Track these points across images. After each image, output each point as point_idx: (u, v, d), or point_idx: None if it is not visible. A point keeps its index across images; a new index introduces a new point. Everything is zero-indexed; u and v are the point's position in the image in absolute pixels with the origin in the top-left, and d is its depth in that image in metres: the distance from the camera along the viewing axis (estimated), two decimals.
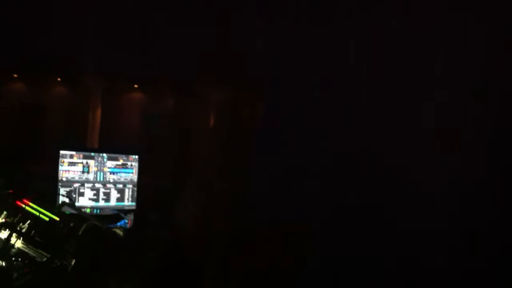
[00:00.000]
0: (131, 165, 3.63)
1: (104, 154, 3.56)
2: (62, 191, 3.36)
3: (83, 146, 3.78)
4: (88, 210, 3.39)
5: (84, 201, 3.44)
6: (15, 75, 9.99)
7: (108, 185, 3.54)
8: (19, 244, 2.02)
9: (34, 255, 1.98)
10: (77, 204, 3.32)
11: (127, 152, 3.62)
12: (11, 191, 2.32)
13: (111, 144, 10.05)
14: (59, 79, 10.28)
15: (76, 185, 3.43)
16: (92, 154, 3.52)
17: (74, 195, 3.40)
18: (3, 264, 1.86)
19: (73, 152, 3.45)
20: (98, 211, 3.44)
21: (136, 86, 10.60)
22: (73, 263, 2.03)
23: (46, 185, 3.42)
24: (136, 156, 3.67)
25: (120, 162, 3.60)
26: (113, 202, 3.54)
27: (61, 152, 3.40)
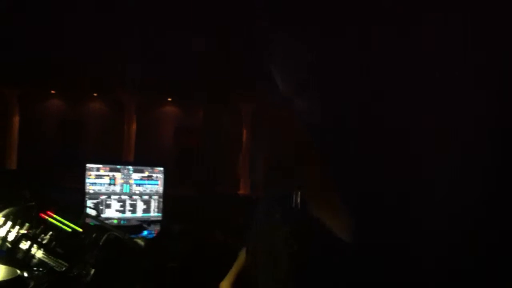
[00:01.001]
0: (157, 176, 3.70)
1: (130, 167, 3.64)
2: (89, 203, 3.45)
3: (109, 159, 3.88)
4: (115, 221, 3.47)
5: (111, 213, 3.53)
6: (53, 92, 10.33)
7: (134, 197, 3.62)
8: (39, 254, 2.09)
9: (54, 264, 2.05)
10: (103, 215, 3.41)
11: (152, 164, 3.70)
12: (34, 203, 2.41)
13: (145, 157, 10.23)
14: (95, 94, 10.57)
15: (103, 197, 3.52)
16: (118, 166, 3.61)
17: (101, 207, 3.49)
18: (24, 273, 1.93)
19: (100, 165, 3.54)
20: (124, 222, 3.52)
21: (169, 99, 10.80)
22: (92, 272, 2.09)
23: (75, 197, 3.53)
24: (162, 168, 3.74)
25: (146, 174, 3.68)
26: (139, 213, 3.62)
27: (88, 165, 3.50)
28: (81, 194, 3.48)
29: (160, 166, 3.75)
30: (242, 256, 2.10)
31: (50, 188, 3.48)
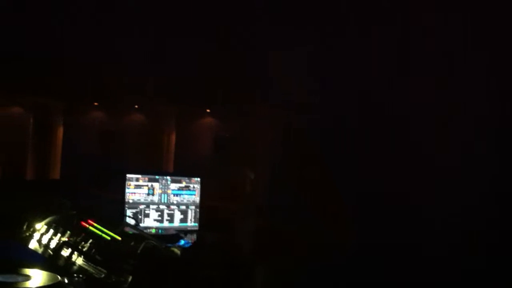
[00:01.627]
0: (194, 187, 3.77)
1: (168, 177, 3.72)
2: (128, 212, 3.54)
3: (148, 170, 3.97)
4: (153, 231, 3.54)
5: (149, 222, 3.61)
6: (95, 104, 10.62)
7: (172, 207, 3.69)
8: (79, 261, 2.17)
9: (93, 271, 2.12)
10: (142, 225, 3.48)
11: (189, 174, 3.77)
12: (75, 212, 2.50)
13: (185, 167, 10.37)
14: (136, 106, 10.80)
15: (141, 206, 3.61)
16: (157, 177, 3.69)
17: (140, 216, 3.58)
18: (65, 279, 2.00)
19: (139, 176, 3.63)
20: (162, 231, 3.59)
21: (208, 110, 10.93)
22: (129, 280, 2.15)
23: (115, 207, 3.62)
24: (198, 179, 3.80)
25: (183, 184, 3.74)
26: (176, 223, 3.68)
27: (128, 175, 3.60)
28: (120, 203, 3.57)
29: (197, 177, 3.82)
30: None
31: (91, 198, 3.58)
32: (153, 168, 9.62)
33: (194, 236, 3.58)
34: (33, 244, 2.27)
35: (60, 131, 10.40)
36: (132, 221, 3.32)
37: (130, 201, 3.59)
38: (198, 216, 3.77)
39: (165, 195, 3.69)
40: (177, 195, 3.72)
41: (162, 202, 3.67)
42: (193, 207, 3.76)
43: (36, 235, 2.31)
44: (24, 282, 1.86)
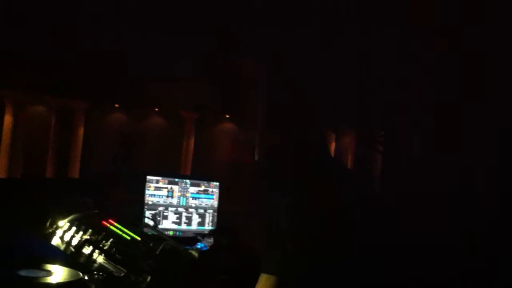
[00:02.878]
0: (212, 191, 3.80)
1: (187, 180, 3.76)
2: (147, 213, 3.58)
3: (168, 172, 4.02)
4: (171, 233, 3.58)
5: (168, 224, 3.65)
6: (116, 105, 10.76)
7: (190, 210, 3.72)
8: (100, 259, 2.21)
9: (113, 270, 2.16)
10: (160, 226, 3.52)
11: (208, 178, 3.80)
12: (97, 211, 2.55)
13: (203, 171, 10.43)
14: (156, 109, 10.92)
15: (160, 208, 3.65)
16: (176, 180, 3.73)
17: (158, 218, 3.62)
18: (85, 276, 2.04)
19: (159, 178, 3.67)
20: (180, 233, 3.63)
21: (227, 116, 11.00)
22: (148, 280, 2.18)
23: (134, 208, 3.67)
24: (217, 183, 3.83)
25: (202, 188, 3.78)
26: (194, 226, 3.72)
27: (148, 177, 3.64)
28: (140, 205, 3.61)
29: (216, 181, 3.85)
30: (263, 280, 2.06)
31: (111, 198, 3.63)
32: (170, 171, 9.69)
33: (211, 240, 3.61)
34: (55, 241, 2.32)
35: (81, 131, 10.56)
36: (150, 222, 3.37)
37: (150, 202, 3.63)
38: (215, 220, 3.80)
39: (184, 198, 3.72)
40: (195, 198, 3.75)
41: (180, 205, 3.71)
42: (211, 211, 3.79)
43: (59, 232, 2.35)
44: (46, 278, 1.91)
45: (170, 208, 3.68)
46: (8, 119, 9.77)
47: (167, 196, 3.68)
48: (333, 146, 10.97)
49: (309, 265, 2.03)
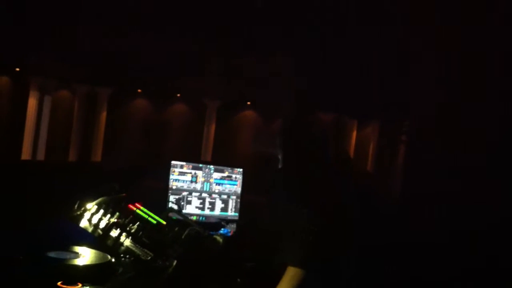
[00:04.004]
0: (236, 177, 3.80)
1: (211, 166, 3.76)
2: (172, 198, 3.60)
3: (192, 158, 4.03)
4: (194, 218, 3.59)
5: (191, 209, 3.66)
6: (139, 90, 10.82)
7: (214, 195, 3.73)
8: (127, 242, 2.22)
9: (140, 253, 2.17)
10: (184, 211, 3.53)
11: (232, 165, 3.80)
12: (124, 195, 2.56)
13: (223, 158, 10.44)
14: (178, 95, 10.93)
15: (184, 193, 3.66)
16: (200, 165, 3.74)
17: (182, 203, 3.63)
18: (112, 259, 2.05)
19: (183, 163, 3.69)
20: (203, 219, 3.64)
21: (248, 103, 10.97)
22: (174, 264, 2.19)
23: (158, 192, 3.69)
24: (241, 169, 3.83)
25: (226, 174, 3.78)
26: (217, 212, 3.73)
27: (172, 162, 3.65)
28: (164, 189, 3.63)
29: (240, 167, 3.85)
30: (291, 271, 2.12)
31: (135, 182, 3.65)
32: (192, 156, 9.74)
33: (234, 226, 3.62)
34: (83, 223, 2.33)
35: (104, 116, 10.63)
36: (175, 207, 3.38)
37: (174, 187, 3.65)
38: (238, 206, 3.80)
39: (208, 183, 3.73)
40: (219, 184, 3.76)
41: (204, 190, 3.72)
42: (234, 197, 3.79)
43: (87, 215, 2.37)
44: (75, 260, 1.92)
45: (193, 193, 3.69)
46: (32, 102, 9.89)
47: (191, 181, 3.69)
48: (354, 135, 10.86)
49: (324, 258, 2.09)
